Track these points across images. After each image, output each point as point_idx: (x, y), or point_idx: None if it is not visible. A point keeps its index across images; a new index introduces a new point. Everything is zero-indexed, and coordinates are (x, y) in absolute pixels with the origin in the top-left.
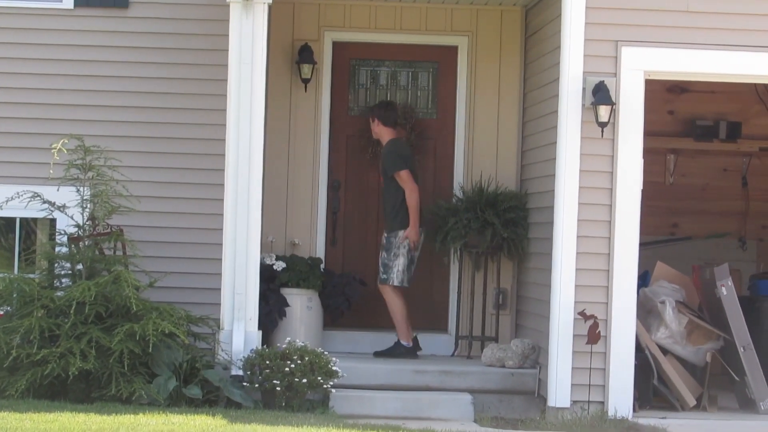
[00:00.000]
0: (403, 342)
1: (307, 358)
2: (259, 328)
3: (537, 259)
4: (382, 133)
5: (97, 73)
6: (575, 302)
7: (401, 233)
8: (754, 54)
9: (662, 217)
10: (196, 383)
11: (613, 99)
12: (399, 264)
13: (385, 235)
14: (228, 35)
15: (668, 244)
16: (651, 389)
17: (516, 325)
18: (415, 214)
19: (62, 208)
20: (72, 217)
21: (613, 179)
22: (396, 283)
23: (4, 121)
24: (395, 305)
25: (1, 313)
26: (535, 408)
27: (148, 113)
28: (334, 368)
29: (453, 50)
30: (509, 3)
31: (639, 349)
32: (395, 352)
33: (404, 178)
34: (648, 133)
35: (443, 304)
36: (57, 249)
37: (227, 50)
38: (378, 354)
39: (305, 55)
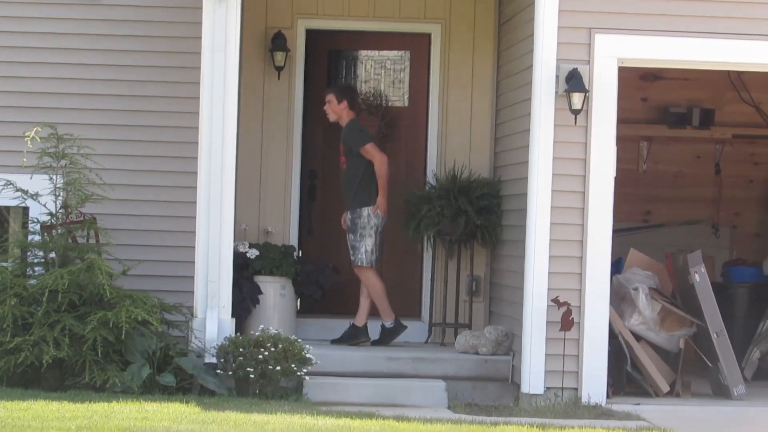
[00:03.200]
0: (387, 324)
1: (280, 346)
2: (232, 316)
3: (510, 246)
4: (344, 114)
5: (70, 61)
6: (549, 289)
7: (365, 211)
8: (729, 41)
9: (635, 204)
10: (170, 371)
11: (587, 86)
12: (367, 244)
13: (349, 216)
14: (201, 23)
15: (642, 231)
16: (624, 376)
17: (489, 312)
18: (384, 183)
19: (35, 197)
20: (45, 206)
21: (586, 166)
22: (366, 264)
23: None
24: (372, 285)
25: None
26: (508, 395)
27: (121, 101)
28: (307, 355)
29: (426, 38)
30: None
31: (612, 335)
32: (387, 338)
33: (371, 150)
34: (621, 121)
35: (416, 291)
36: (30, 237)
37: (200, 38)
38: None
39: (278, 42)
